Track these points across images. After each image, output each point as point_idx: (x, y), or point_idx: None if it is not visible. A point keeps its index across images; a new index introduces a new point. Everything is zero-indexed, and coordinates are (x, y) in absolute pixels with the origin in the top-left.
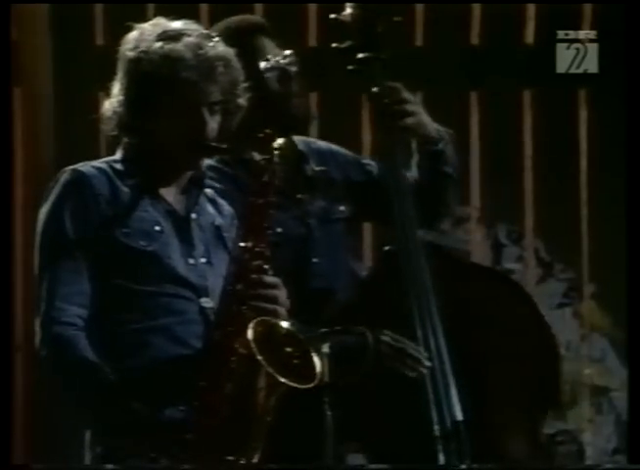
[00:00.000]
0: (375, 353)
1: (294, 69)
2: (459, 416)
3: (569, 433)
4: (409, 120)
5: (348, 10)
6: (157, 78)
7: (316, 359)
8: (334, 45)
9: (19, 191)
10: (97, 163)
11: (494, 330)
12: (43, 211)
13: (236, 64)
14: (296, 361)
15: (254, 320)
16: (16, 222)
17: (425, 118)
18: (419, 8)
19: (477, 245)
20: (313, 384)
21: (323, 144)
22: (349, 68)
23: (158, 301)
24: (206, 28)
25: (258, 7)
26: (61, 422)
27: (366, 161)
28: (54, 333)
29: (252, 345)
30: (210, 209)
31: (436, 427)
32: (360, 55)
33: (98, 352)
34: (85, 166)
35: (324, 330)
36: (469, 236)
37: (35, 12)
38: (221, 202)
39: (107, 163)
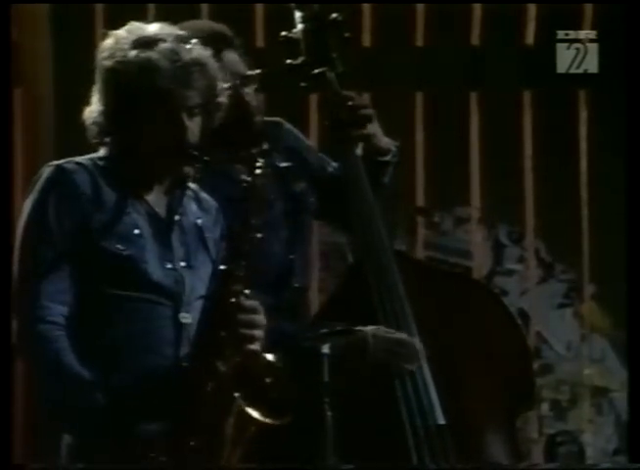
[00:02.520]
0: (374, 353)
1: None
2: (441, 420)
3: (569, 433)
4: (366, 130)
5: (299, 27)
6: (134, 88)
7: (293, 391)
8: (287, 61)
9: (19, 191)
10: (81, 159)
11: (466, 332)
12: (26, 206)
13: (212, 65)
14: (273, 394)
15: (235, 350)
16: (16, 222)
17: (378, 129)
18: (419, 8)
19: (477, 245)
20: (287, 420)
21: (292, 140)
22: (303, 84)
23: (130, 305)
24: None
25: (259, 7)
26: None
27: (327, 159)
28: (38, 332)
29: (230, 381)
30: (194, 207)
31: (419, 431)
32: (314, 71)
33: (77, 354)
34: (69, 164)
35: (324, 330)
36: (469, 236)
37: (35, 12)
38: (205, 197)
39: (91, 159)
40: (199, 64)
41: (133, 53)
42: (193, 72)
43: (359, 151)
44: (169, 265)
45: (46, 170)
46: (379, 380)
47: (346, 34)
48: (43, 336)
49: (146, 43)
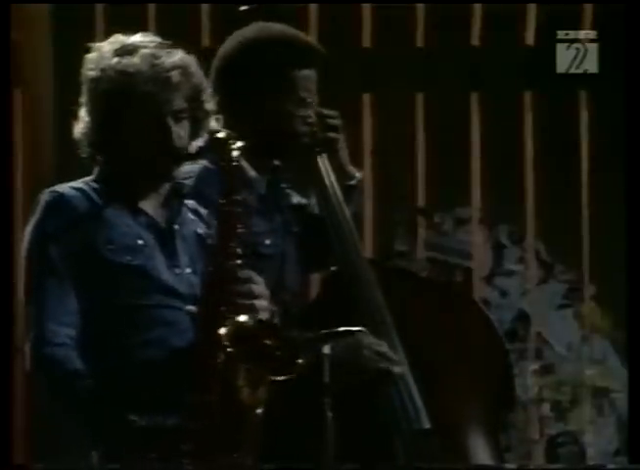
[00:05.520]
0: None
1: None
2: (427, 424)
3: (570, 434)
4: (333, 134)
5: None
6: (116, 95)
7: (296, 348)
8: None
9: (19, 192)
10: (75, 183)
11: (445, 337)
12: (27, 233)
13: (196, 70)
14: (278, 353)
15: (229, 322)
16: (16, 222)
17: (345, 150)
18: (419, 8)
19: (478, 246)
20: (295, 374)
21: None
22: None
23: (150, 313)
24: (209, 28)
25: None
26: (61, 422)
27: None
28: (46, 355)
29: (226, 342)
30: (193, 218)
31: (406, 436)
32: None
33: (92, 369)
34: (63, 187)
35: (325, 331)
36: (470, 237)
37: (35, 12)
38: (203, 211)
39: (85, 183)
40: (180, 67)
41: (115, 60)
42: (173, 76)
43: (327, 165)
44: (178, 271)
45: (43, 196)
46: (365, 385)
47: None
48: (52, 357)
49: (127, 51)
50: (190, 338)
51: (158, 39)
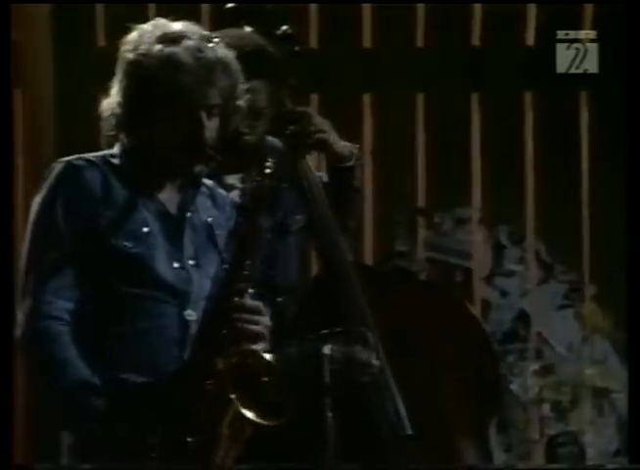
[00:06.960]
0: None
1: None
2: (409, 430)
3: (570, 434)
4: (319, 136)
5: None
6: (155, 82)
7: (289, 392)
8: None
9: (19, 192)
10: (93, 156)
11: (431, 337)
12: (36, 201)
13: (235, 66)
14: (271, 394)
15: (236, 349)
16: (17, 222)
17: (334, 137)
18: (419, 8)
19: (478, 246)
20: (283, 420)
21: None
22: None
23: (137, 303)
24: (208, 29)
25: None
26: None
27: None
28: (41, 327)
29: (228, 381)
30: (208, 203)
31: (389, 442)
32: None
33: (80, 350)
34: (80, 160)
35: (325, 331)
36: (470, 237)
37: (35, 12)
38: (220, 193)
39: (103, 157)
40: (222, 63)
41: (157, 47)
42: (216, 71)
43: (312, 163)
44: (177, 264)
45: (56, 167)
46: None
47: (296, 48)
48: (45, 331)
49: (171, 39)
50: (174, 335)
51: (201, 30)
